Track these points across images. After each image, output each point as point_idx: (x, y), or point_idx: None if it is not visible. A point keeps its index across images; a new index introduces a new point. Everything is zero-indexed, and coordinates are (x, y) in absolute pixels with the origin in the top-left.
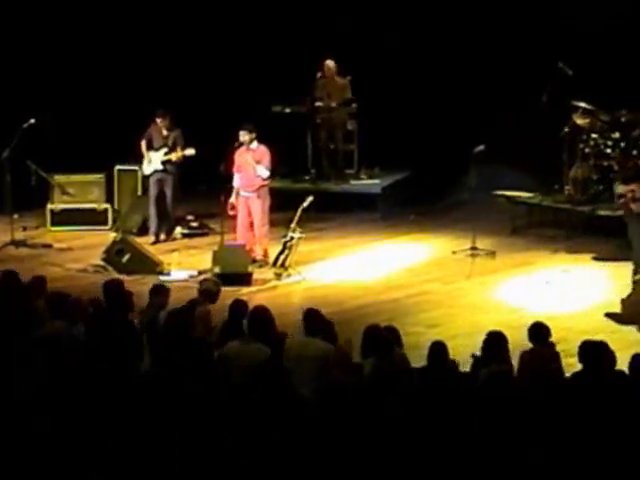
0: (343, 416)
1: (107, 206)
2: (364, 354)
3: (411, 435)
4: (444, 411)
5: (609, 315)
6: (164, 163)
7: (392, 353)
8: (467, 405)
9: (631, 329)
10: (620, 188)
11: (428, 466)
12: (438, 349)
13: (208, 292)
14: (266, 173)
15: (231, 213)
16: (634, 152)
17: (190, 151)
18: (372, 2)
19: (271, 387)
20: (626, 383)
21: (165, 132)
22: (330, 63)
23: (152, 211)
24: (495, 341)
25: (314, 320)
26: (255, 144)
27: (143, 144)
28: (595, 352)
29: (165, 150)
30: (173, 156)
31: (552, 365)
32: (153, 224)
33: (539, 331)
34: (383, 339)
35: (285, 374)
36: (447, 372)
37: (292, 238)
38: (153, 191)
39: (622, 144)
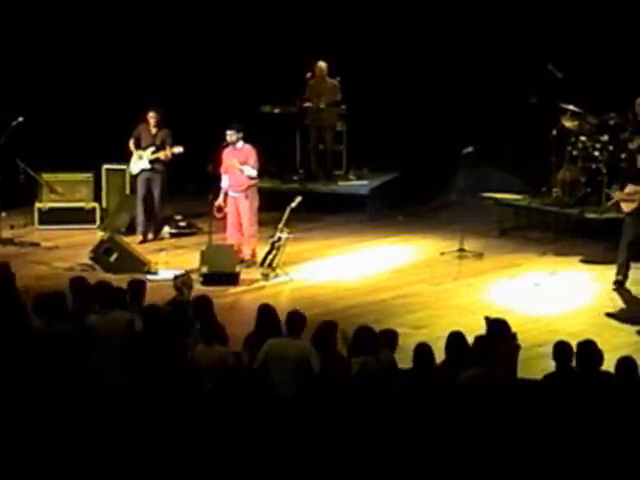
0: (328, 415)
1: (95, 205)
2: (353, 353)
3: (397, 435)
4: (429, 412)
5: (610, 315)
6: (152, 162)
7: (379, 354)
8: (451, 407)
9: (618, 332)
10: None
11: (413, 466)
12: (423, 351)
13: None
14: (253, 173)
15: (218, 215)
16: (622, 155)
17: (178, 149)
18: (363, 3)
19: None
20: (612, 384)
21: (154, 131)
22: (322, 64)
23: (139, 210)
24: (482, 343)
25: (296, 321)
26: (241, 144)
27: (131, 142)
28: (577, 351)
29: (153, 149)
30: (161, 154)
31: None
32: (140, 223)
33: (500, 328)
34: (372, 340)
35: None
36: (432, 374)
37: (280, 238)
38: (140, 190)
39: (610, 147)
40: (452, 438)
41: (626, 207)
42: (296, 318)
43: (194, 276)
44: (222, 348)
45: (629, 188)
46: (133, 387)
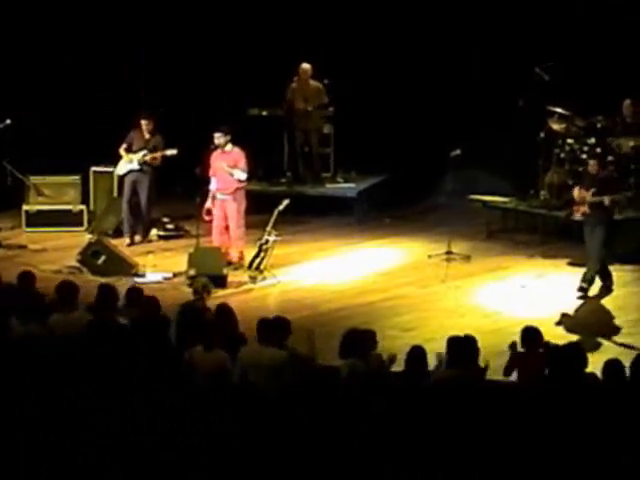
0: (325, 415)
1: (82, 207)
2: (342, 355)
3: (391, 436)
4: (424, 414)
5: (560, 323)
6: (141, 164)
7: (369, 355)
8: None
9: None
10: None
11: (411, 467)
12: (417, 353)
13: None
14: (243, 176)
15: (207, 218)
16: (610, 158)
17: (172, 151)
18: (349, 6)
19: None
20: (598, 386)
21: (147, 136)
22: (306, 66)
23: (126, 212)
24: (463, 345)
25: (267, 330)
26: (229, 146)
27: (122, 148)
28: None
29: (144, 152)
30: (149, 157)
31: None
32: (126, 225)
33: (531, 336)
34: (361, 342)
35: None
36: (426, 376)
37: (268, 241)
38: (127, 192)
39: (597, 150)
40: (442, 439)
41: (576, 211)
42: (265, 326)
43: (181, 279)
44: (222, 353)
45: (582, 193)
46: (133, 387)
